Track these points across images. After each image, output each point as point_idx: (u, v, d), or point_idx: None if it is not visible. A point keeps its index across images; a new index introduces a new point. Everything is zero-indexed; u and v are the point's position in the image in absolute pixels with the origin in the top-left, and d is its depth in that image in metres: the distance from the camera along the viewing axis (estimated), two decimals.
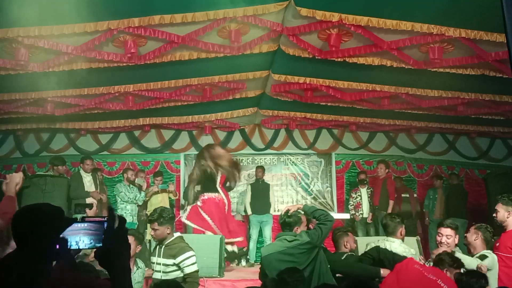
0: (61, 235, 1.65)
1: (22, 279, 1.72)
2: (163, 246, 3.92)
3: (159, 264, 3.88)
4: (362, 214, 8.26)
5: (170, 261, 3.86)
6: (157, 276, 3.87)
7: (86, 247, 1.65)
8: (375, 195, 8.24)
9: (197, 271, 3.91)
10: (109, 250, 1.51)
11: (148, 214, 5.19)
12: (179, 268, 3.84)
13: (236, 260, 7.77)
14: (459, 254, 3.90)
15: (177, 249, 3.87)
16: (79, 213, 6.21)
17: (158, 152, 9.60)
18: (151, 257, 4.15)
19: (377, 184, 8.34)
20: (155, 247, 4.10)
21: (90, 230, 1.63)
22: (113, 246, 1.51)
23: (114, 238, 1.52)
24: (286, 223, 3.96)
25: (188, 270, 3.83)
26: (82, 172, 7.43)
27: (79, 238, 1.63)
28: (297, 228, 3.97)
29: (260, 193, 8.42)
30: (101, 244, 1.57)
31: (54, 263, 1.83)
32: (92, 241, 1.63)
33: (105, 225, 1.55)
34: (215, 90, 7.15)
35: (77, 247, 1.65)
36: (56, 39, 4.94)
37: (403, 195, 8.51)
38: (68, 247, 1.64)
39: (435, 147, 9.82)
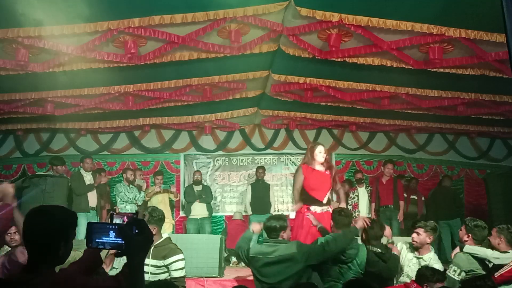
0: (88, 235, 1.78)
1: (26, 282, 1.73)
2: (152, 247, 3.78)
3: (147, 265, 3.73)
4: (359, 214, 8.25)
5: (160, 263, 3.74)
6: (145, 277, 3.76)
7: (109, 247, 1.78)
8: (385, 194, 8.03)
9: (184, 277, 3.78)
10: (130, 251, 1.67)
11: None
12: (168, 270, 3.72)
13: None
14: (480, 249, 3.94)
15: (167, 250, 3.76)
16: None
17: (158, 152, 9.60)
18: None
19: (387, 183, 8.11)
20: None
21: (114, 232, 1.75)
22: (135, 249, 1.67)
23: (137, 242, 1.67)
24: (272, 228, 3.88)
25: (175, 274, 3.70)
26: (82, 171, 7.43)
27: (104, 238, 1.76)
28: (283, 233, 3.91)
29: (260, 193, 8.43)
30: (122, 244, 1.72)
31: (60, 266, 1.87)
32: (115, 241, 1.75)
33: (134, 229, 1.70)
34: (215, 90, 7.15)
35: (102, 247, 1.78)
36: (56, 40, 4.94)
37: (412, 196, 8.48)
38: (93, 246, 1.77)
39: (435, 147, 9.82)
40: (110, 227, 1.75)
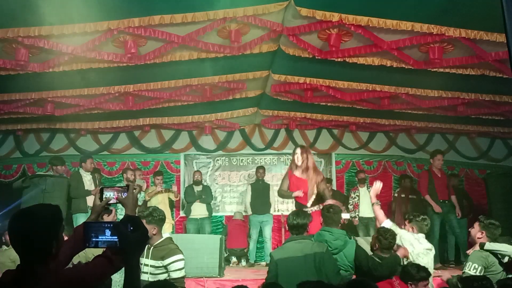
0: (85, 235, 1.80)
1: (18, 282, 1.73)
2: (152, 247, 3.79)
3: (147, 265, 3.75)
4: (358, 214, 8.25)
5: (158, 263, 3.73)
6: (144, 277, 3.72)
7: (105, 246, 1.80)
8: (442, 188, 7.53)
9: (183, 277, 3.78)
10: (125, 249, 1.67)
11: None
12: (167, 271, 3.72)
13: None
14: (502, 245, 3.97)
15: (166, 250, 3.75)
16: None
17: (158, 152, 9.59)
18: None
19: (442, 177, 7.71)
20: None
21: (110, 230, 1.76)
22: (130, 246, 1.67)
23: (132, 239, 1.68)
24: (296, 226, 3.94)
25: (174, 275, 3.69)
26: (82, 171, 7.42)
27: (100, 237, 1.78)
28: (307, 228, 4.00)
29: (260, 193, 8.43)
30: (116, 242, 1.73)
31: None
32: (111, 240, 1.77)
33: (129, 226, 1.72)
34: (215, 90, 7.15)
35: (99, 246, 1.80)
36: (56, 39, 4.94)
37: (411, 196, 8.45)
38: (91, 246, 1.80)
39: (435, 147, 9.77)
40: (106, 225, 1.76)
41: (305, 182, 5.33)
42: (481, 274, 3.79)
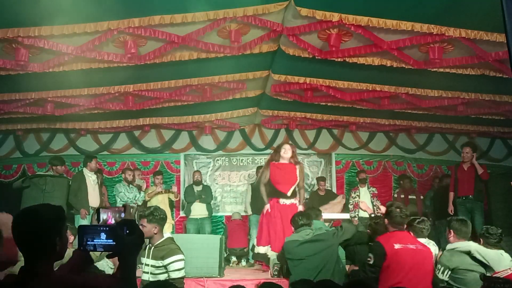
0: (80, 238, 1.78)
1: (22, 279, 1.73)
2: (153, 247, 3.82)
3: (148, 265, 3.78)
4: (358, 214, 8.25)
5: (158, 263, 3.75)
6: (145, 277, 3.78)
7: (101, 250, 1.78)
8: (466, 183, 6.94)
9: (183, 277, 3.79)
10: (121, 251, 1.69)
11: None
12: (167, 271, 3.73)
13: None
14: (463, 243, 3.96)
15: (166, 250, 3.76)
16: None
17: (158, 152, 9.60)
18: (141, 258, 4.02)
19: (468, 170, 7.05)
20: (145, 247, 3.95)
21: (106, 233, 1.75)
22: (127, 250, 1.69)
23: (128, 242, 1.69)
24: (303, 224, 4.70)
25: (174, 275, 3.70)
26: (86, 171, 7.31)
27: (96, 240, 1.76)
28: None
29: (261, 193, 8.41)
30: (114, 245, 1.73)
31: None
32: (107, 243, 1.75)
33: (125, 229, 1.72)
34: (215, 90, 7.15)
35: (94, 249, 1.77)
36: (56, 39, 4.94)
37: (410, 196, 8.43)
38: (85, 249, 1.78)
39: (435, 147, 9.81)
40: (101, 228, 1.75)
41: (293, 168, 5.64)
42: (447, 275, 3.84)
